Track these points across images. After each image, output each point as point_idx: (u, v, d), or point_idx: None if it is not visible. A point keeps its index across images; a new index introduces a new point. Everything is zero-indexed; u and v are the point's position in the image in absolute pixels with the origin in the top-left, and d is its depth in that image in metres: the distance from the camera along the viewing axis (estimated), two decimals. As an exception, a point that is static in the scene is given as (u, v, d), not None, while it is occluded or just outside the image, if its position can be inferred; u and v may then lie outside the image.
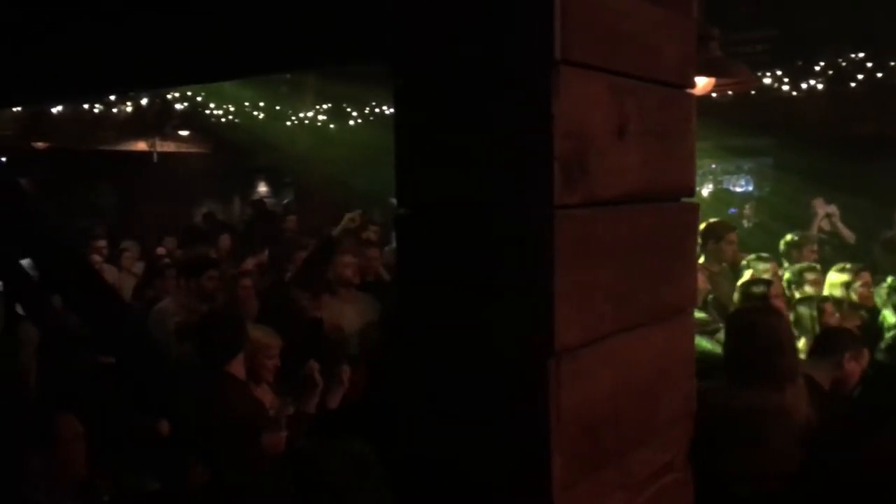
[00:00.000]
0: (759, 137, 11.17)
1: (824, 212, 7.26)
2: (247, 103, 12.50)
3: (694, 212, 1.67)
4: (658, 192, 1.51)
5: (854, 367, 3.51)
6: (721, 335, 4.14)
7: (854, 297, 5.10)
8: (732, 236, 5.68)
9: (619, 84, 1.36)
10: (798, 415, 2.71)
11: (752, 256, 5.55)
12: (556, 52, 1.20)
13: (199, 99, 12.24)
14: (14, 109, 10.04)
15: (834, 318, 4.62)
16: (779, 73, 9.98)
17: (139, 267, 7.31)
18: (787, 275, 5.54)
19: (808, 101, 10.09)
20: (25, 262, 2.83)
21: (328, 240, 5.70)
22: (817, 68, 9.86)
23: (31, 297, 2.69)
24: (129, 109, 11.97)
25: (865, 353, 3.63)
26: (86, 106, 11.27)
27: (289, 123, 13.34)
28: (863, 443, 2.64)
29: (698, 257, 5.10)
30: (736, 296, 4.78)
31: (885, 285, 5.10)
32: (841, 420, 2.96)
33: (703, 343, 3.86)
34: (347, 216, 5.80)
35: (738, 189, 13.21)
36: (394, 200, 1.40)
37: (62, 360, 3.22)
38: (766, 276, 5.17)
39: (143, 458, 2.82)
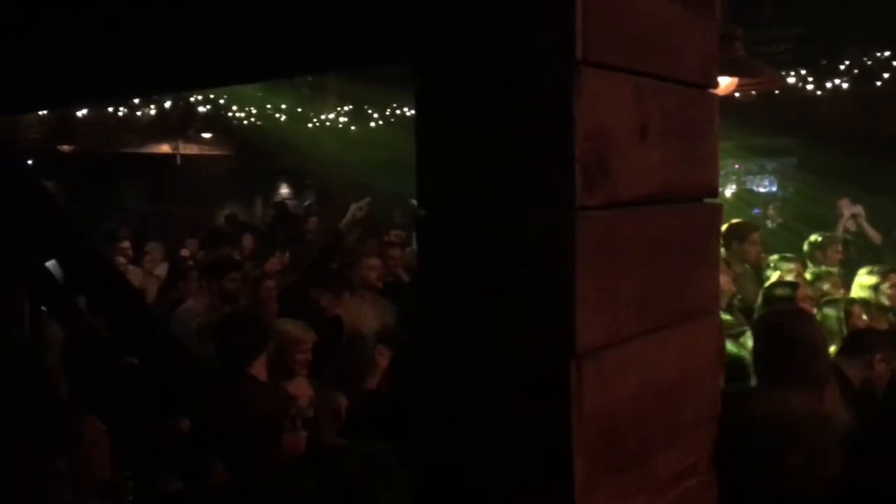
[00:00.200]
0: (783, 137, 11.06)
1: (850, 212, 7.18)
2: (269, 106, 12.59)
3: (717, 213, 1.66)
4: (680, 193, 1.50)
5: (885, 368, 3.47)
6: (744, 338, 4.10)
7: (883, 299, 5.04)
8: (756, 236, 5.63)
9: (641, 84, 1.35)
10: (836, 418, 2.68)
11: (776, 257, 5.50)
12: (577, 53, 1.19)
13: (221, 102, 12.34)
14: (40, 113, 10.17)
15: (862, 321, 4.56)
16: (803, 72, 9.89)
17: (162, 269, 7.36)
18: (807, 276, 5.48)
19: (832, 100, 9.98)
20: (51, 263, 2.86)
21: (337, 232, 5.77)
22: (842, 67, 9.76)
23: (57, 298, 2.71)
24: (152, 112, 12.08)
25: None
26: (110, 109, 11.39)
27: (310, 126, 13.40)
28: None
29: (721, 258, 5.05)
30: (760, 298, 4.73)
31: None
32: (871, 422, 2.92)
33: (727, 346, 3.82)
34: (354, 206, 5.80)
35: (762, 189, 13.08)
36: (414, 202, 1.40)
37: (87, 360, 3.25)
38: (790, 276, 5.11)
39: (165, 458, 2.83)
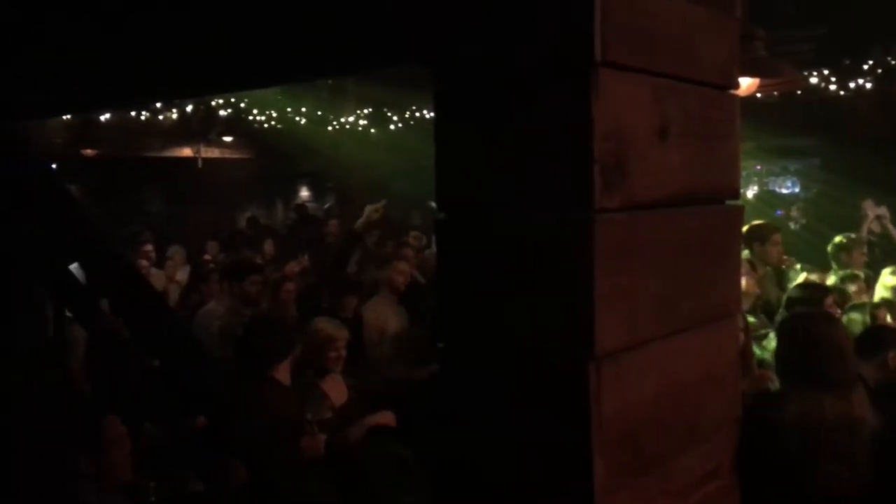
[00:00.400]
0: (806, 138, 10.97)
1: (874, 214, 7.09)
2: (289, 109, 12.66)
3: (738, 214, 1.65)
4: (701, 195, 1.49)
5: None
6: (767, 341, 4.07)
7: (909, 300, 4.99)
8: (777, 237, 5.59)
9: (661, 85, 1.34)
10: (866, 422, 2.65)
11: (798, 267, 5.47)
12: (595, 54, 1.19)
13: (242, 105, 12.43)
14: (64, 118, 10.29)
15: (888, 324, 4.51)
16: (826, 72, 9.80)
17: (183, 273, 7.41)
18: (831, 280, 5.43)
19: (855, 100, 9.89)
20: (74, 266, 2.90)
21: (352, 234, 5.79)
22: (865, 67, 9.67)
23: (80, 300, 2.74)
24: (174, 117, 12.19)
25: None
26: (132, 114, 11.51)
27: (330, 129, 13.47)
28: None
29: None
30: (784, 301, 4.69)
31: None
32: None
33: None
34: (369, 208, 5.80)
35: (784, 191, 12.96)
36: (433, 204, 1.40)
37: (110, 362, 3.28)
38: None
39: (186, 459, 2.85)
